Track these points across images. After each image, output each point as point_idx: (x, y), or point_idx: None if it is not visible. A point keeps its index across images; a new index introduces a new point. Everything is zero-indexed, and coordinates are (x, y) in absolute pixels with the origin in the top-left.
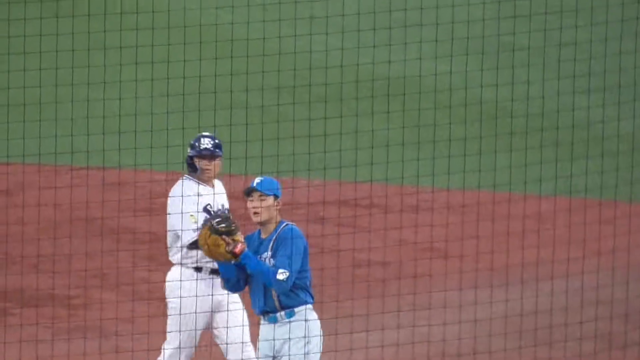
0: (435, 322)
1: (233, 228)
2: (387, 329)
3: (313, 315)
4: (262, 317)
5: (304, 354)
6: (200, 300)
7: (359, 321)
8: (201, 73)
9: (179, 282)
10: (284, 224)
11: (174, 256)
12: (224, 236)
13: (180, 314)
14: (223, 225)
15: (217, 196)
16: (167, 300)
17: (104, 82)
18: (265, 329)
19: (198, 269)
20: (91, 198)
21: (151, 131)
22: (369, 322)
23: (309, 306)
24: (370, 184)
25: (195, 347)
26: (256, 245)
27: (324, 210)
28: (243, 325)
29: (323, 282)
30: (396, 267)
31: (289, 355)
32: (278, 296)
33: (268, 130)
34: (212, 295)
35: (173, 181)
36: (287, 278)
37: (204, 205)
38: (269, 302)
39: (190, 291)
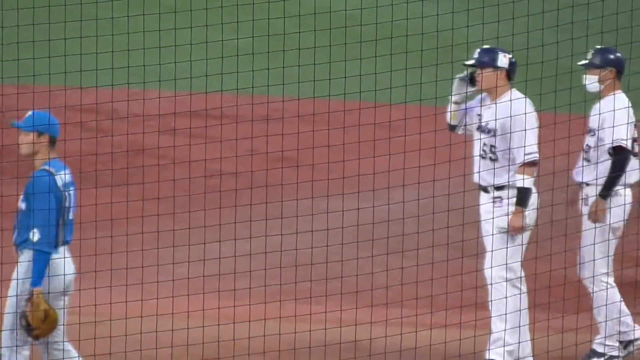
0: (287, 231)
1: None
2: (240, 239)
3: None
4: None
5: (14, 295)
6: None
7: (211, 231)
8: None
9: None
10: (42, 168)
11: None
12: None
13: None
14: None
15: (489, 111)
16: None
17: None
18: None
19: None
20: None
21: (1, 45)
22: (222, 233)
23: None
24: (221, 94)
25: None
26: None
27: (175, 121)
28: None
29: (175, 194)
30: (247, 177)
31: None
32: (17, 235)
33: (118, 42)
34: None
35: (23, 95)
36: (39, 239)
37: (477, 113)
38: (13, 236)
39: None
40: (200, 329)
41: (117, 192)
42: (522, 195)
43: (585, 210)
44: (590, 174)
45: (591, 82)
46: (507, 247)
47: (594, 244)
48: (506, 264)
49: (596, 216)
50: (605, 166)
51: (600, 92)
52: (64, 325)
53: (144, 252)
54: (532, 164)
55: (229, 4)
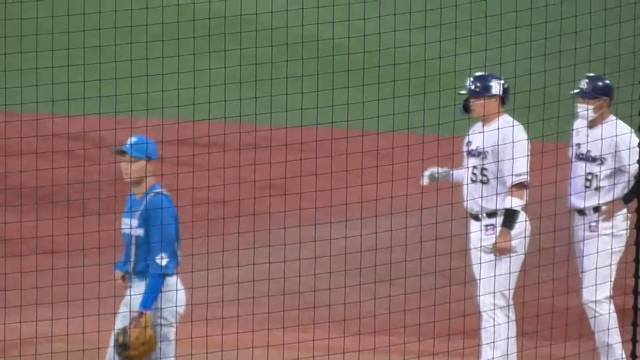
0: (275, 259)
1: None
2: (227, 267)
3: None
4: None
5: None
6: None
7: (199, 260)
8: (38, 15)
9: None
10: (154, 192)
11: None
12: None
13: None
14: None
15: (479, 137)
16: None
17: None
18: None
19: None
20: None
21: None
22: (209, 261)
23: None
24: (208, 123)
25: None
26: (128, 207)
27: (162, 149)
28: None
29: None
30: (235, 205)
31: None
32: (135, 261)
33: (105, 70)
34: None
35: (10, 122)
36: (168, 262)
37: (466, 142)
38: (127, 264)
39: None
40: (188, 357)
41: (104, 220)
42: (509, 217)
43: (587, 235)
44: (599, 199)
45: (585, 110)
46: (496, 275)
47: (596, 268)
48: (497, 292)
49: (609, 214)
50: (617, 190)
51: (593, 120)
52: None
53: None
54: (521, 186)
55: (217, 32)
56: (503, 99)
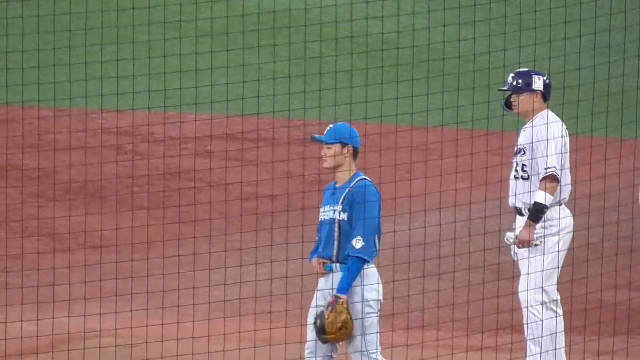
0: None
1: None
2: (276, 261)
3: (367, 272)
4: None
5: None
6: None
7: (248, 254)
8: (87, 9)
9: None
10: (358, 178)
11: None
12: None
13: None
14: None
15: (522, 133)
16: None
17: None
18: (322, 278)
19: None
20: None
21: (38, 67)
22: (258, 255)
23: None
24: (257, 117)
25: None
26: (329, 195)
27: (211, 144)
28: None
29: (211, 216)
30: (284, 199)
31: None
32: (338, 247)
33: (155, 65)
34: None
35: (59, 117)
36: (363, 247)
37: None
38: (329, 250)
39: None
40: (236, 351)
41: (153, 214)
42: (535, 209)
43: None
44: None
45: None
46: (536, 271)
47: None
48: (538, 287)
49: None
50: None
51: None
52: (378, 334)
53: (180, 274)
54: (551, 179)
55: (266, 27)
56: (544, 94)
